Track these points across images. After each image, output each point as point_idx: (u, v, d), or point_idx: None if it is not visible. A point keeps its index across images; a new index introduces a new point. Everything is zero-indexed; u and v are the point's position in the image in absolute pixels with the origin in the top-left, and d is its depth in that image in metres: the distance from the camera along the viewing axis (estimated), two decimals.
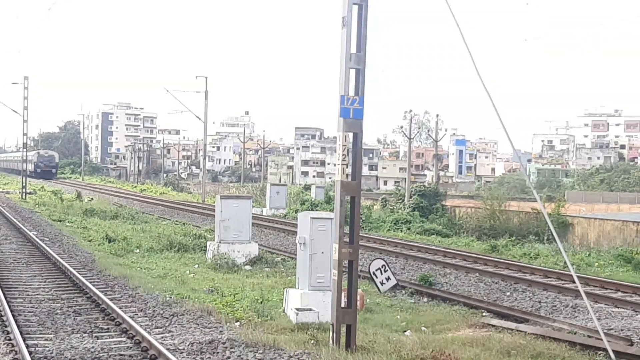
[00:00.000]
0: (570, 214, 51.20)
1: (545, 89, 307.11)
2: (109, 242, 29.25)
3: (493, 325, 16.44)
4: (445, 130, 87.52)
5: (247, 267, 24.31)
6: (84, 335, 14.56)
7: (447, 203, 60.99)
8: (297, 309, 15.89)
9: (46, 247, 26.64)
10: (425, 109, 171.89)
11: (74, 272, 21.13)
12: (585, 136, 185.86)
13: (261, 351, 13.11)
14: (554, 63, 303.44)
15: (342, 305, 13.32)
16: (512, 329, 15.84)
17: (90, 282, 19.60)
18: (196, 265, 24.55)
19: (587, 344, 14.33)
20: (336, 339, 13.13)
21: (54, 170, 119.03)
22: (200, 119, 69.30)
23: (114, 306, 16.42)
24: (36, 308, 17.01)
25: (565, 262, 21.93)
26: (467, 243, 36.68)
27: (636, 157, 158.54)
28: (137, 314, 16.42)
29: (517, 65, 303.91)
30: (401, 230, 44.32)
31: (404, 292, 20.89)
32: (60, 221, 38.84)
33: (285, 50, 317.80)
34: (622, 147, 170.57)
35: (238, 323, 15.63)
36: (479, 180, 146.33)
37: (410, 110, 80.00)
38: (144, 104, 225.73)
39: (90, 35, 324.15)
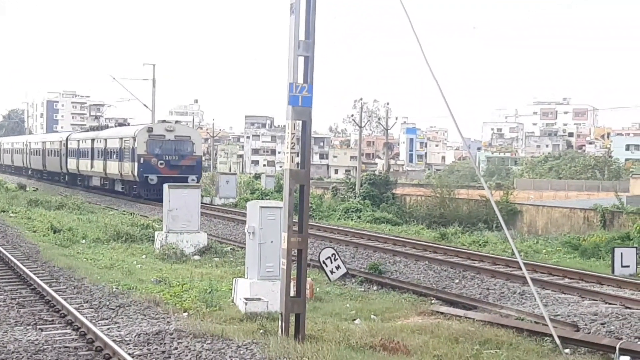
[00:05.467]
0: (519, 202, 51.91)
1: (494, 77, 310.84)
2: (54, 233, 28.73)
3: (442, 313, 16.51)
4: (396, 118, 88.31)
5: (196, 257, 24.09)
6: (28, 327, 14.31)
7: (397, 191, 61.32)
8: (246, 299, 15.77)
9: None
10: (375, 98, 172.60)
11: (18, 263, 20.76)
12: (534, 124, 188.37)
13: (209, 341, 13.00)
14: (503, 51, 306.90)
15: (291, 294, 13.26)
16: (460, 316, 15.92)
17: (35, 274, 19.25)
18: (144, 256, 24.26)
19: (534, 330, 14.47)
20: (285, 328, 13.06)
21: (195, 178, 47.29)
22: (148, 107, 68.41)
23: (59, 298, 16.16)
24: None
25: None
26: (417, 231, 36.86)
27: (584, 145, 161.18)
28: (82, 306, 16.17)
29: (466, 53, 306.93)
30: (352, 219, 44.40)
31: (353, 280, 20.88)
32: (3, 212, 38.07)
33: (234, 37, 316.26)
34: (570, 135, 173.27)
35: (186, 313, 15.50)
36: (429, 169, 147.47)
37: (361, 99, 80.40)
38: (90, 92, 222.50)
39: (34, 23, 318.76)
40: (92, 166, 55.95)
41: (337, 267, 20.76)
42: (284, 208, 13.29)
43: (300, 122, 13.29)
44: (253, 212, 16.58)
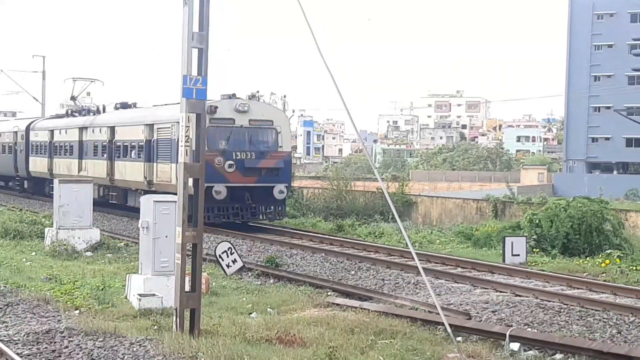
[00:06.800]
0: (414, 193, 52.60)
1: (390, 70, 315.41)
2: None
3: (338, 304, 16.61)
4: (293, 111, 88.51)
5: (88, 254, 23.58)
6: None
7: (294, 184, 61.36)
8: (140, 295, 15.52)
9: None
10: (272, 90, 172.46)
11: None
12: (429, 117, 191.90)
13: (101, 339, 12.72)
14: (398, 43, 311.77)
15: (186, 289, 13.11)
16: (356, 307, 16.05)
17: None
18: (33, 253, 23.57)
19: (428, 319, 14.72)
20: (180, 324, 12.91)
21: (284, 189, 30.08)
22: (37, 100, 66.85)
23: None
24: None
25: None
26: (314, 224, 36.92)
27: (477, 137, 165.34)
28: None
29: (361, 46, 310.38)
30: None
31: (250, 274, 20.82)
32: None
33: (127, 29, 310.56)
34: (464, 127, 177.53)
35: (77, 311, 15.17)
36: (326, 161, 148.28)
37: (257, 92, 79.91)
38: None
39: None
40: (80, 168, 39.01)
41: (234, 261, 20.64)
42: (179, 202, 13.12)
43: (195, 114, 13.16)
44: (147, 207, 16.30)
